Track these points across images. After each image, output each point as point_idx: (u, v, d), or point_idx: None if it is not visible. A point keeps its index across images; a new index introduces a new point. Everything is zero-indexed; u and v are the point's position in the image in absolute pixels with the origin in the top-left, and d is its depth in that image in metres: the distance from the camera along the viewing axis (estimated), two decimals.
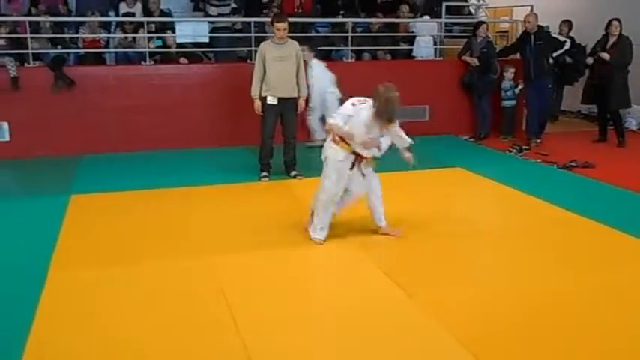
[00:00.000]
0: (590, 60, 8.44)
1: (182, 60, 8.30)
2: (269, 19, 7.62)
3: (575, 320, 3.54)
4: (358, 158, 4.55)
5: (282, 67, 6.35)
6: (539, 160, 7.62)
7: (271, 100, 6.38)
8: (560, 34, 9.33)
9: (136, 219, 5.34)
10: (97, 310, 3.65)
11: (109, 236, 4.91)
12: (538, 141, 8.53)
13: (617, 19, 8.29)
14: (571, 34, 9.51)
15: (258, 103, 6.43)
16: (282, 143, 6.65)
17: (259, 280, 4.09)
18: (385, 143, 4.62)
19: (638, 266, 4.37)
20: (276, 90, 6.36)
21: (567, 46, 8.80)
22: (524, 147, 8.20)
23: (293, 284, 4.03)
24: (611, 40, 8.30)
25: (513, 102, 8.97)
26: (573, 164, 7.23)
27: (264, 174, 6.63)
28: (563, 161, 7.35)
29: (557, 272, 4.23)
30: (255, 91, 6.42)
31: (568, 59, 9.24)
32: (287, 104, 6.45)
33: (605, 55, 8.20)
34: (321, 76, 7.78)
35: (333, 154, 4.55)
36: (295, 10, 9.61)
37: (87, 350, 3.19)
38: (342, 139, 4.48)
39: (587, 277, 4.13)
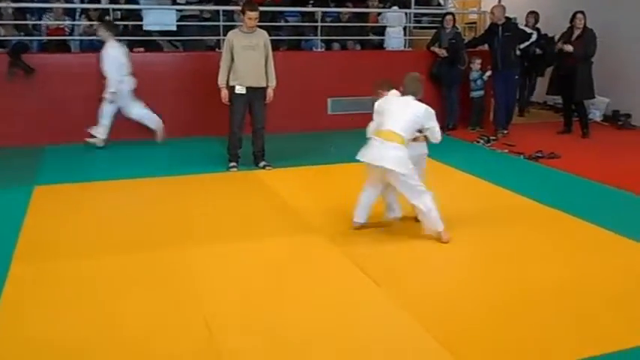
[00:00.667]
0: (559, 46, 8.53)
1: (138, 49, 8.15)
2: (238, 8, 7.55)
3: (539, 307, 3.58)
4: None
5: (250, 57, 6.29)
6: (506, 151, 7.71)
7: (240, 89, 6.32)
8: (526, 25, 9.45)
9: (102, 210, 5.25)
10: (61, 302, 3.58)
11: (74, 228, 4.82)
12: (505, 132, 8.64)
13: (582, 12, 8.40)
14: (538, 26, 9.63)
15: (225, 93, 6.37)
16: (251, 133, 6.60)
17: (229, 270, 4.06)
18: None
19: (599, 253, 4.44)
20: (245, 79, 6.30)
21: (534, 37, 8.92)
22: (491, 137, 8.29)
23: (263, 275, 4.00)
24: (576, 32, 8.42)
25: (482, 92, 9.05)
26: (539, 155, 7.34)
27: (233, 164, 6.58)
28: (529, 152, 7.45)
29: (523, 261, 4.28)
30: (222, 81, 6.35)
31: (538, 50, 9.39)
32: (256, 94, 6.40)
33: (569, 47, 8.32)
34: (115, 61, 7.19)
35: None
36: None
37: (51, 343, 3.13)
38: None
39: (551, 265, 4.19)
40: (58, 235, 4.68)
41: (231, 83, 6.33)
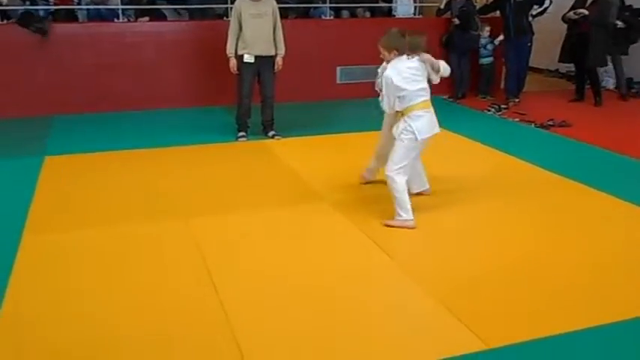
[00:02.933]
0: (573, 15, 8.36)
1: (142, 19, 8.08)
2: None
3: (551, 276, 3.58)
4: None
5: (258, 25, 6.21)
6: (517, 119, 7.63)
7: (248, 58, 6.26)
8: None
9: (112, 181, 5.26)
10: (73, 273, 3.61)
11: (84, 198, 4.84)
12: (517, 100, 8.54)
13: None
14: None
15: (233, 62, 6.31)
16: (260, 103, 6.56)
17: (238, 241, 4.06)
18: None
19: (609, 222, 4.43)
20: (253, 48, 6.24)
21: (547, 3, 8.72)
22: (502, 106, 8.20)
23: (274, 246, 4.01)
24: None
25: (491, 59, 8.92)
26: (551, 123, 7.26)
27: (242, 134, 6.56)
28: (540, 120, 7.37)
29: (535, 231, 4.26)
30: (230, 50, 6.29)
31: (620, 24, 8.48)
32: (264, 62, 6.34)
33: (583, 11, 8.16)
34: None
35: None
36: None
37: (62, 314, 3.16)
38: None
39: (563, 234, 4.18)
40: (68, 205, 4.70)
41: (239, 52, 6.27)
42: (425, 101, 4.25)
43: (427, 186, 4.80)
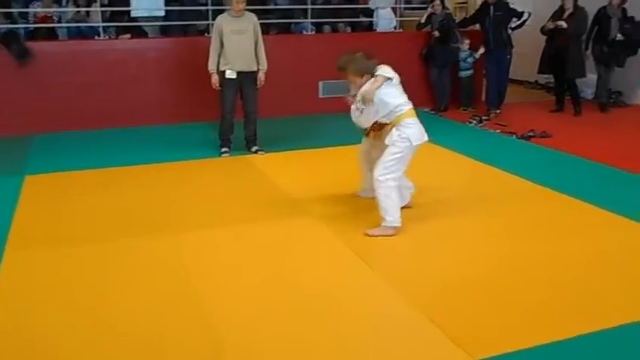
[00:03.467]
0: (550, 25, 8.47)
1: (123, 36, 8.08)
2: None
3: (533, 286, 3.60)
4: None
5: (240, 41, 6.24)
6: (498, 131, 7.70)
7: (230, 74, 6.27)
8: (610, 4, 8.58)
9: (94, 198, 5.22)
10: (55, 290, 3.56)
11: (66, 216, 4.79)
12: (497, 111, 8.63)
13: None
14: (625, 6, 8.62)
15: (215, 78, 6.32)
16: (243, 118, 6.56)
17: (223, 256, 4.05)
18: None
19: (591, 231, 4.47)
20: (235, 64, 6.26)
21: (525, 16, 8.84)
22: (483, 117, 8.28)
23: (257, 260, 3.99)
24: (567, 11, 8.38)
25: (470, 72, 9.01)
26: (531, 134, 7.34)
27: (225, 149, 6.55)
28: (521, 131, 7.45)
29: (517, 240, 4.29)
30: (212, 66, 6.31)
31: (619, 36, 8.51)
32: (247, 78, 6.35)
33: (562, 24, 8.28)
34: None
35: None
36: None
37: (45, 329, 3.12)
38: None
39: (545, 244, 4.20)
40: (50, 223, 4.65)
41: (221, 68, 6.29)
42: (411, 109, 4.37)
43: (407, 200, 4.81)
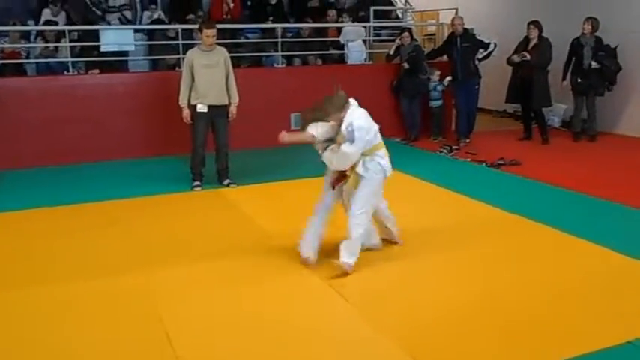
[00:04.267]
0: (516, 58, 8.66)
1: (93, 71, 8.04)
2: (195, 27, 7.52)
3: (510, 316, 3.61)
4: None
5: (210, 75, 6.25)
6: (468, 160, 7.80)
7: (201, 108, 6.26)
8: (583, 33, 8.61)
9: (62, 236, 5.12)
10: (15, 334, 3.46)
11: (32, 254, 4.69)
12: (467, 140, 8.75)
13: (535, 22, 8.59)
14: (597, 34, 8.64)
15: (186, 112, 6.30)
16: (214, 151, 6.54)
17: (193, 293, 3.98)
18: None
19: (561, 257, 4.52)
20: (206, 98, 6.25)
21: (492, 47, 9.04)
22: (454, 147, 8.38)
23: (229, 294, 3.94)
24: (532, 42, 8.60)
25: (440, 102, 9.14)
26: (501, 162, 7.44)
27: (197, 183, 6.51)
28: (491, 160, 7.55)
29: (491, 270, 4.32)
30: (183, 100, 6.29)
31: (594, 64, 8.53)
32: (218, 111, 6.35)
33: (526, 56, 8.47)
34: None
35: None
36: (224, 16, 9.51)
37: None
38: None
39: (518, 271, 4.24)
40: (14, 262, 4.55)
41: (192, 102, 6.28)
42: (380, 141, 4.37)
43: (375, 241, 4.68)
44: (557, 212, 5.56)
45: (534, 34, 8.55)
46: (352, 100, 4.30)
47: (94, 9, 8.56)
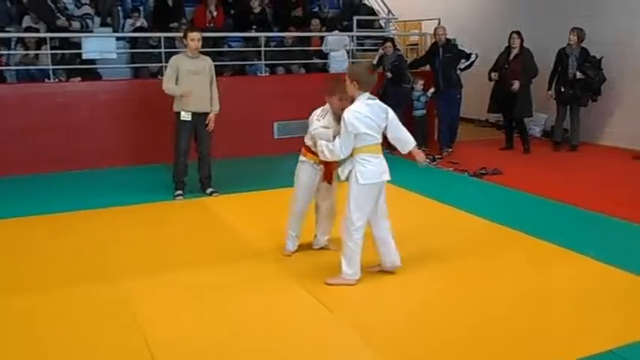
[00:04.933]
0: (494, 76, 8.76)
1: (73, 79, 7.98)
2: (178, 35, 7.49)
3: (489, 327, 3.61)
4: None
5: (195, 81, 6.20)
6: (451, 169, 7.84)
7: (185, 116, 6.21)
8: (569, 43, 8.67)
9: (39, 245, 5.05)
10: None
11: (9, 263, 4.62)
12: (450, 150, 8.80)
13: (517, 32, 8.69)
14: (584, 45, 8.70)
15: (182, 91, 6.15)
16: (197, 160, 6.50)
17: (174, 302, 3.93)
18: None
19: (543, 266, 4.55)
20: (190, 105, 6.21)
21: (474, 57, 9.11)
22: (436, 156, 8.42)
23: (211, 305, 3.90)
24: (513, 52, 8.69)
25: (424, 112, 9.18)
26: (483, 171, 7.49)
27: (179, 192, 6.45)
28: (473, 169, 7.60)
29: (473, 279, 4.32)
30: (174, 89, 6.15)
31: (579, 74, 8.58)
32: (201, 119, 6.31)
33: (516, 86, 8.51)
34: None
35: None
36: (207, 24, 9.49)
37: None
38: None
39: (501, 282, 4.25)
40: None
41: (175, 109, 6.24)
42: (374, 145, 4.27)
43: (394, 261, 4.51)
44: (536, 221, 5.60)
45: (517, 43, 8.64)
46: (366, 95, 4.15)
47: (59, 15, 8.42)
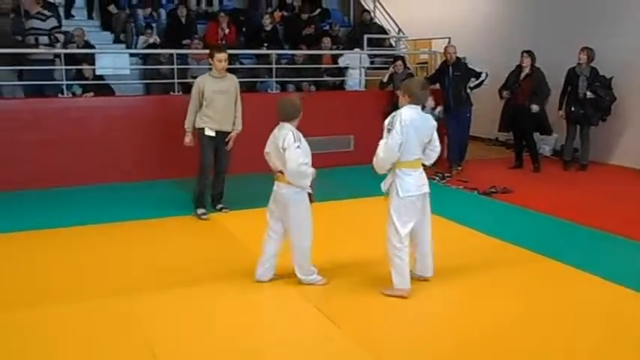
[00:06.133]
0: (506, 94, 8.79)
1: (87, 95, 8.06)
2: (190, 51, 7.55)
3: (498, 345, 3.60)
4: None
5: (222, 101, 6.18)
6: (461, 187, 7.84)
7: (209, 132, 6.19)
8: (579, 63, 8.66)
9: (52, 258, 5.09)
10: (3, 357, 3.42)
11: (21, 277, 4.66)
12: (459, 168, 8.81)
13: (528, 51, 8.71)
14: (593, 65, 8.69)
15: (190, 138, 6.25)
16: (213, 176, 6.48)
17: (182, 318, 3.95)
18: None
19: (553, 286, 4.54)
20: (216, 123, 6.19)
21: (483, 76, 9.14)
22: (446, 174, 8.42)
23: (220, 320, 3.92)
24: (524, 71, 8.71)
25: None
26: (493, 190, 7.49)
27: (203, 211, 6.34)
28: (483, 187, 7.59)
29: (481, 297, 4.32)
30: (188, 125, 6.22)
31: (589, 94, 8.56)
32: (223, 137, 6.30)
33: (535, 108, 8.51)
34: None
35: None
36: (219, 41, 9.60)
37: None
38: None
39: (509, 301, 4.24)
40: (3, 283, 4.50)
41: (200, 125, 6.20)
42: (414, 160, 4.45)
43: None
44: (546, 239, 5.60)
45: (527, 62, 8.65)
46: (413, 106, 4.40)
47: (16, 37, 8.20)
